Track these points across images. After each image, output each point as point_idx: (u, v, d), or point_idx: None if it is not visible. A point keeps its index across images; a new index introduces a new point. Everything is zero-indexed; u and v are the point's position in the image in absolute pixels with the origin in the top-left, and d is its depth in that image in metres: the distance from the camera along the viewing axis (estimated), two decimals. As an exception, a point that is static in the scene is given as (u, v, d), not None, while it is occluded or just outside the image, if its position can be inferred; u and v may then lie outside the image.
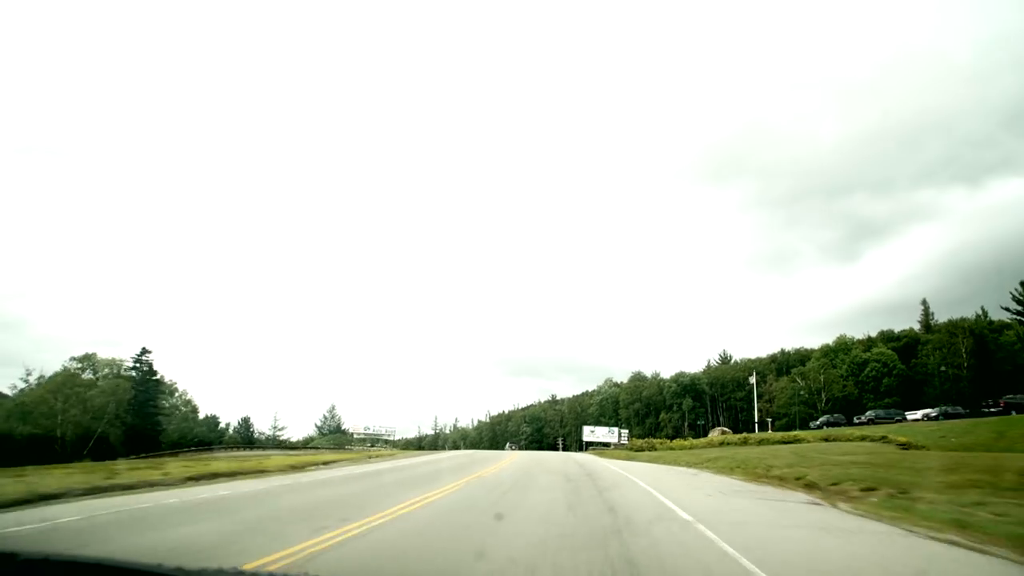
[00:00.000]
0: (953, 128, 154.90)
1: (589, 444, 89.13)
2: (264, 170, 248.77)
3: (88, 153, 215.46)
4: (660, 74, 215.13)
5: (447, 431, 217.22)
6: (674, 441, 65.70)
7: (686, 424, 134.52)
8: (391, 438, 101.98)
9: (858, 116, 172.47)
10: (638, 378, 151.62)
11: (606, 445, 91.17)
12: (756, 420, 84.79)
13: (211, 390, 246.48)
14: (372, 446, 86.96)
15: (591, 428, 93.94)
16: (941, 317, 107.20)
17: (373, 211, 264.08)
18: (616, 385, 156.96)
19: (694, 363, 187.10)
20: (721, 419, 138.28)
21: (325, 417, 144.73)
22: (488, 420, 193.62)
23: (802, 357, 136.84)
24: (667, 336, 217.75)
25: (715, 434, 74.97)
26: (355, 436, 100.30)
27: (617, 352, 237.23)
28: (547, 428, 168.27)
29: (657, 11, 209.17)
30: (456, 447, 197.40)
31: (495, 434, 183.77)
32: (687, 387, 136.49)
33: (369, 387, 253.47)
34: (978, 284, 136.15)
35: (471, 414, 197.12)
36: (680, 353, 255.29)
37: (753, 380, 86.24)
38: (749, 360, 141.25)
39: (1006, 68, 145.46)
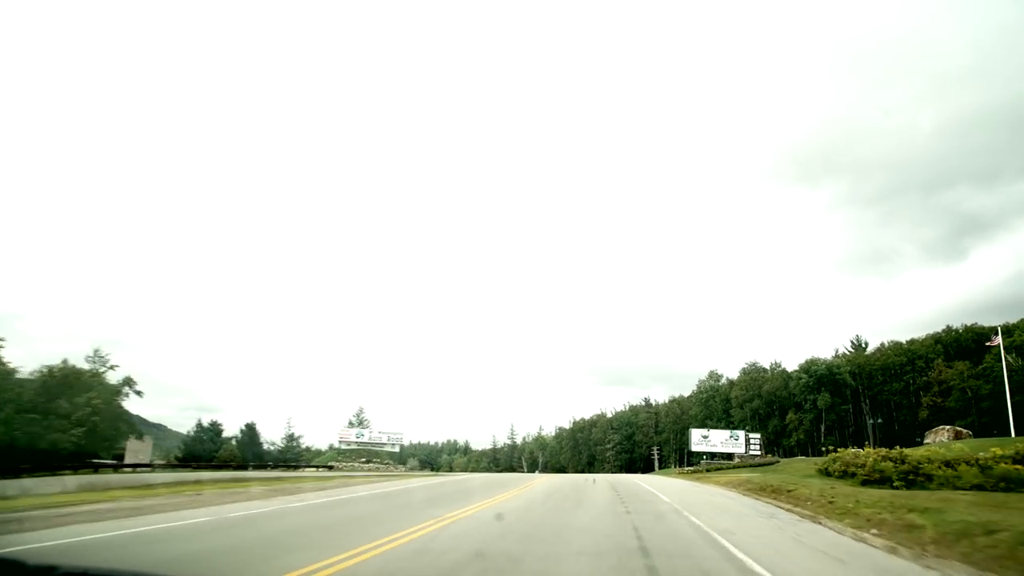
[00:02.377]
0: None
1: (699, 456, 60.16)
2: (304, 170, 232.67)
3: (95, 157, 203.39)
4: (739, 74, 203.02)
5: (527, 440, 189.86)
6: (869, 452, 34.92)
7: (822, 427, 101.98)
8: (394, 449, 73.68)
9: (957, 103, 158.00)
10: (755, 370, 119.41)
11: (728, 457, 62.36)
12: (1011, 417, 51.60)
13: (236, 397, 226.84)
14: (367, 463, 61.38)
15: (703, 432, 64.63)
16: None
17: (454, 211, 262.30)
18: (722, 379, 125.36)
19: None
20: (868, 420, 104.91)
21: (351, 422, 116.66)
22: (570, 427, 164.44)
23: (980, 334, 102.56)
24: (757, 342, 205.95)
25: (942, 437, 43.82)
26: (344, 447, 72.05)
27: (707, 359, 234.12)
28: (638, 435, 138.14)
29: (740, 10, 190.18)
30: (522, 466, 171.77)
31: (576, 443, 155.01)
32: (823, 378, 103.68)
33: (436, 397, 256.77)
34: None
35: (556, 423, 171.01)
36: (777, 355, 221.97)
37: (998, 340, 53.97)
38: (899, 343, 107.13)
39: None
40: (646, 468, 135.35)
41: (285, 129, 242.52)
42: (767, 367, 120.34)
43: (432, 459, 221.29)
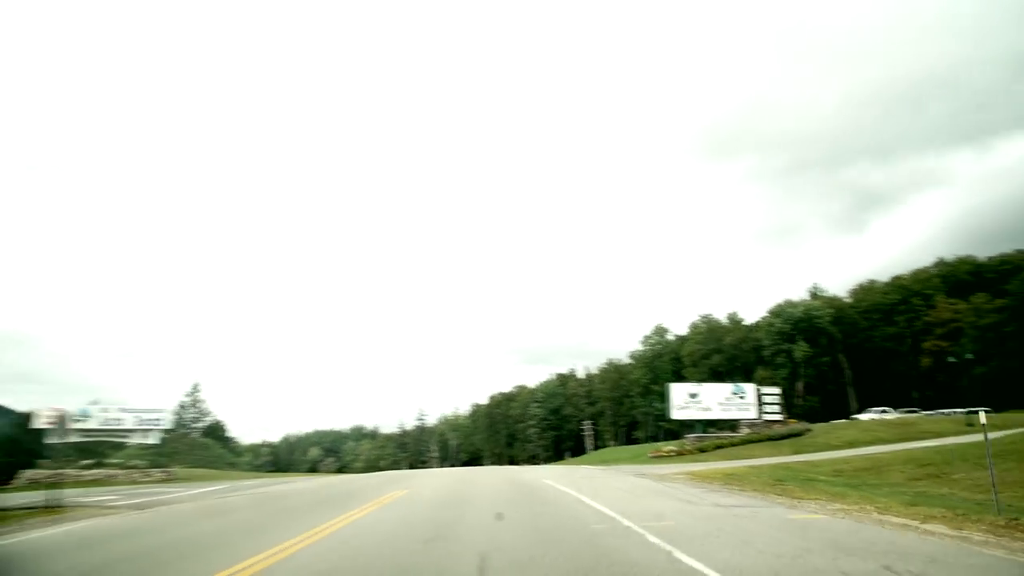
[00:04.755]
0: (959, 86, 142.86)
1: (686, 426, 35.94)
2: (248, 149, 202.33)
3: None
4: (662, 53, 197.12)
5: (441, 422, 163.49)
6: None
7: (799, 384, 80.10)
8: (148, 439, 40.59)
9: (854, 81, 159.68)
10: (708, 321, 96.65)
11: (730, 426, 38.67)
12: None
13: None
14: (94, 466, 32.50)
15: (689, 388, 40.11)
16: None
17: (364, 200, 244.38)
18: (668, 334, 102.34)
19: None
20: (852, 375, 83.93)
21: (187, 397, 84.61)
22: (486, 404, 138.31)
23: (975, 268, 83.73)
24: (680, 318, 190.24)
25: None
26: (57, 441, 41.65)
27: (628, 337, 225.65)
28: (568, 408, 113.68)
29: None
30: (431, 451, 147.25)
31: (493, 422, 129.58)
32: (799, 324, 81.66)
33: (342, 381, 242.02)
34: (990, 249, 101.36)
35: (472, 401, 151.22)
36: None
37: None
38: (878, 283, 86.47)
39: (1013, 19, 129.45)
40: (576, 449, 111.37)
41: (266, 126, 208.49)
42: (723, 320, 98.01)
43: (337, 446, 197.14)
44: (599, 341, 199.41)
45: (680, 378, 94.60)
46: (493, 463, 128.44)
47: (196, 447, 60.81)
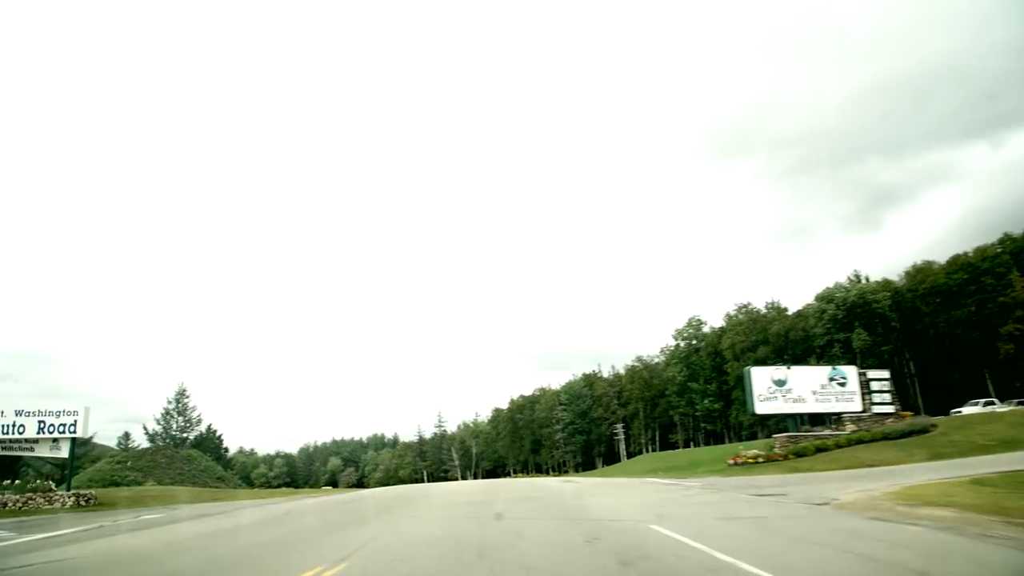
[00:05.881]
0: (968, 78, 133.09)
1: (765, 422, 28.20)
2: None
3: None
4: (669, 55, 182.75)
5: (461, 428, 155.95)
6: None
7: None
8: (57, 452, 32.76)
9: (859, 76, 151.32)
10: (748, 311, 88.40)
11: (824, 420, 30.70)
12: None
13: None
14: None
15: (775, 373, 31.22)
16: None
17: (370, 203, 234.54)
18: (705, 327, 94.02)
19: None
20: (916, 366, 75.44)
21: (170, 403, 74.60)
22: (507, 409, 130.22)
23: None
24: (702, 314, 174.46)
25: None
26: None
27: (647, 341, 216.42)
28: (596, 410, 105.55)
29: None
30: (452, 459, 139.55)
31: (516, 427, 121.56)
32: (854, 309, 73.42)
33: (360, 390, 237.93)
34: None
35: (494, 407, 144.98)
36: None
37: None
38: (961, 256, 77.33)
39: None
40: (608, 455, 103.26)
41: (266, 123, 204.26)
42: (762, 310, 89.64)
43: (356, 456, 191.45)
44: (617, 345, 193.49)
45: (721, 373, 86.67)
46: (518, 471, 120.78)
47: (177, 460, 53.68)
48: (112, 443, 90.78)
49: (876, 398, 31.52)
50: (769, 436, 71.93)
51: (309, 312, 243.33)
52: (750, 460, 27.37)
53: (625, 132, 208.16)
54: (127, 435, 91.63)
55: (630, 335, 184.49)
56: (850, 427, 30.51)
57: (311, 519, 16.42)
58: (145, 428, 73.48)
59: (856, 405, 31.33)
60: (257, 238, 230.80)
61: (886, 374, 33.33)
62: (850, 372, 32.73)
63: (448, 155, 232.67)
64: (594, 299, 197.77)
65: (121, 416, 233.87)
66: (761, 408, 30.44)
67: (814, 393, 31.19)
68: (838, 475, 20.77)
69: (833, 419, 32.39)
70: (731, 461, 28.16)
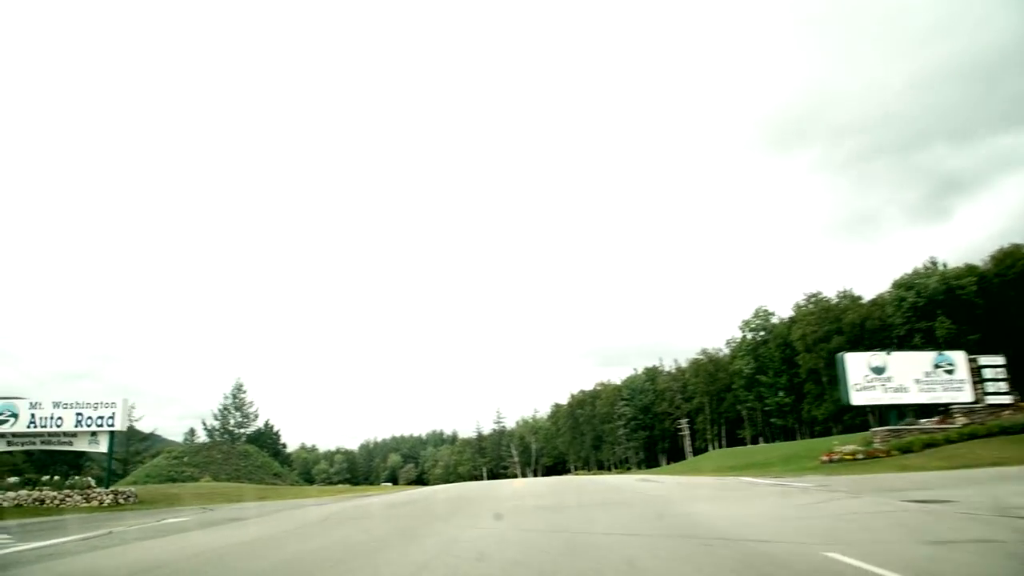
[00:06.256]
0: None
1: (858, 413, 25.61)
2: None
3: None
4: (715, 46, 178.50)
5: (519, 424, 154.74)
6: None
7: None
8: (96, 446, 31.29)
9: (923, 59, 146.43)
10: (818, 301, 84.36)
11: (929, 411, 27.81)
12: None
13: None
14: (21, 485, 24.56)
15: (872, 360, 28.33)
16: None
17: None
18: (773, 318, 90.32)
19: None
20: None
21: (227, 399, 75.16)
22: (567, 404, 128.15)
23: None
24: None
25: None
26: None
27: (704, 335, 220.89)
28: (659, 405, 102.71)
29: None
30: (511, 455, 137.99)
31: (577, 422, 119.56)
32: (935, 296, 69.05)
33: (420, 387, 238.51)
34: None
35: (552, 404, 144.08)
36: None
37: None
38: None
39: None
40: (672, 451, 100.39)
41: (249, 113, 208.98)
42: (833, 299, 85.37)
43: (416, 452, 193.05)
44: (674, 340, 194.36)
45: (791, 365, 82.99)
46: (579, 468, 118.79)
47: (233, 456, 53.56)
48: (179, 439, 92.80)
49: (989, 387, 28.54)
50: (844, 432, 68.64)
51: (370, 310, 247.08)
52: (847, 457, 24.96)
53: (681, 123, 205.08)
54: (192, 431, 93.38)
55: (688, 330, 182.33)
56: (960, 420, 27.69)
57: (351, 531, 13.02)
58: (204, 423, 74.21)
59: (966, 395, 28.47)
60: (320, 238, 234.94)
61: (1001, 360, 30.13)
62: (958, 358, 29.77)
63: (509, 152, 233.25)
64: (650, 295, 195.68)
65: (190, 413, 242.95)
66: (858, 399, 27.83)
67: (917, 382, 28.47)
68: (970, 476, 18.21)
69: (940, 411, 29.58)
70: (825, 458, 25.78)
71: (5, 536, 13.31)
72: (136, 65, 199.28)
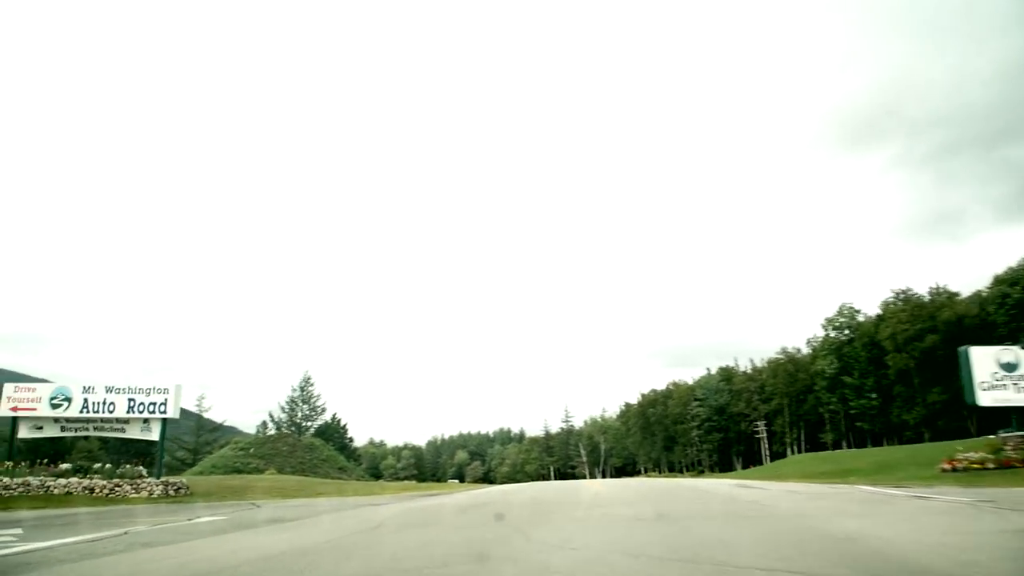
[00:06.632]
0: None
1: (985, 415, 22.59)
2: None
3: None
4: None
5: (587, 423, 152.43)
6: None
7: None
8: (148, 434, 30.48)
9: (1010, 47, 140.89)
10: (908, 297, 79.06)
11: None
12: None
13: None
14: (67, 473, 23.54)
15: (1004, 355, 25.23)
16: None
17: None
18: (859, 315, 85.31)
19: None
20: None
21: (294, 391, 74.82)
22: (638, 404, 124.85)
23: None
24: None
25: None
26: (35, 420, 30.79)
27: (775, 336, 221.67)
28: (735, 406, 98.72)
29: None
30: (580, 455, 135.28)
31: (648, 422, 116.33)
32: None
33: (487, 385, 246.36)
34: None
35: (620, 404, 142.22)
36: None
37: None
38: None
39: None
40: (747, 454, 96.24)
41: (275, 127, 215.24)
42: (925, 296, 79.78)
43: (483, 450, 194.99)
44: (746, 339, 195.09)
45: (879, 366, 78.12)
46: (650, 470, 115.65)
47: (298, 448, 53.38)
48: (253, 431, 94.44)
49: None
50: (935, 438, 63.50)
51: (441, 308, 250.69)
52: (974, 466, 21.97)
53: (754, 122, 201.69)
54: (264, 424, 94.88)
55: (759, 330, 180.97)
56: (1099, 426, 24.31)
57: (404, 545, 8.22)
58: (271, 416, 74.77)
59: (1109, 395, 24.98)
60: (395, 238, 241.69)
61: None
62: None
63: (583, 153, 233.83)
64: (720, 295, 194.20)
65: (264, 406, 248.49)
66: (985, 399, 24.49)
67: (1055, 381, 25.09)
68: None
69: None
70: (947, 466, 22.81)
71: (11, 534, 11.69)
72: (201, 71, 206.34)
